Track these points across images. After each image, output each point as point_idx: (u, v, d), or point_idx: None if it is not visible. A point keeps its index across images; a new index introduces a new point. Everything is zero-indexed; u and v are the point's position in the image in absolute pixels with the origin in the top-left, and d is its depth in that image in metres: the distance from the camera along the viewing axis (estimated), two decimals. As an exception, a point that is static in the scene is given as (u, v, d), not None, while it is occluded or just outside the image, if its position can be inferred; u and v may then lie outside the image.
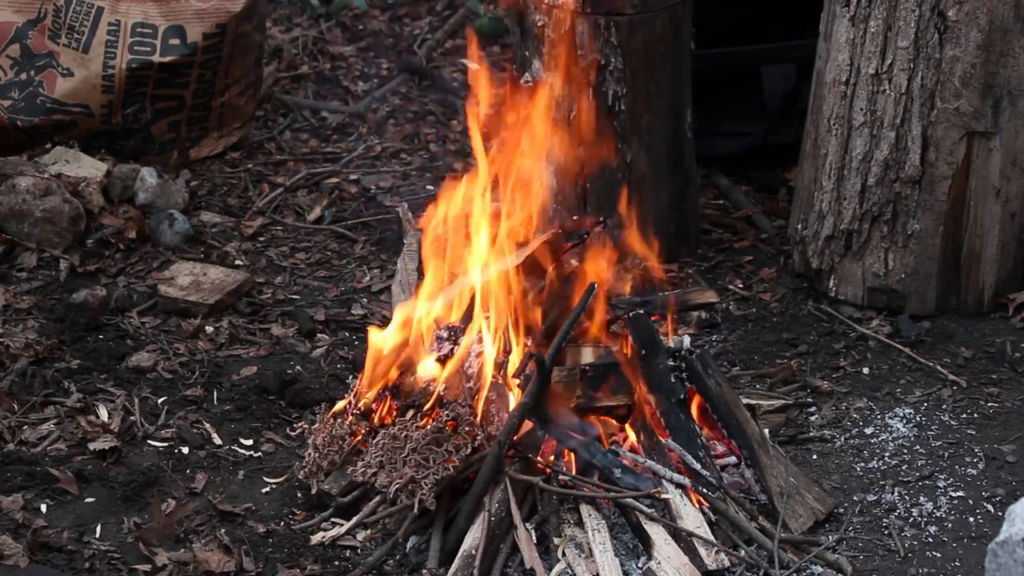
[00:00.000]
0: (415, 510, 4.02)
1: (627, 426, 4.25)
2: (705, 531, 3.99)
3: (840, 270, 5.13)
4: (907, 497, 4.31)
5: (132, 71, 5.65)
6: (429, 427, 4.07)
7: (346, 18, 7.11)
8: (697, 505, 4.06)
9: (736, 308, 5.19)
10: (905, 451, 4.49)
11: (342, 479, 4.22)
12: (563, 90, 5.05)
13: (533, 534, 4.00)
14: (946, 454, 4.48)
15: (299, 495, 4.30)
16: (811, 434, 4.58)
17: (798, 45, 5.66)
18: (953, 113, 4.87)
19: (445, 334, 4.26)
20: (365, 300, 5.24)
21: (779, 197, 5.78)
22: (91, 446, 4.42)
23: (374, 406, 4.27)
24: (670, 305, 4.45)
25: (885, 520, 4.22)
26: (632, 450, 4.18)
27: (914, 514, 4.25)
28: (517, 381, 4.14)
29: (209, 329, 5.02)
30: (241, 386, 4.75)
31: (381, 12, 7.22)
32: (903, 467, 4.43)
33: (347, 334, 5.06)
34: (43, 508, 4.20)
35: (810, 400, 4.72)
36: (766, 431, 4.38)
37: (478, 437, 4.07)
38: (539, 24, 5.07)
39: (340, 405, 4.34)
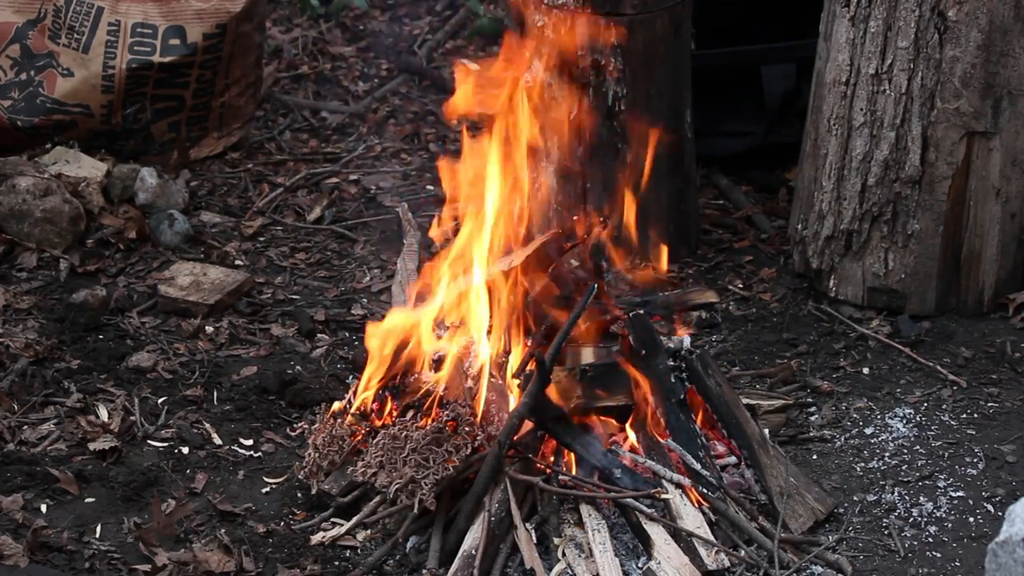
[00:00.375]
0: (415, 510, 4.02)
1: (627, 426, 4.25)
2: (705, 531, 3.99)
3: (840, 270, 5.13)
4: (907, 497, 4.31)
5: (132, 71, 5.65)
6: (429, 427, 4.07)
7: (346, 18, 7.11)
8: (697, 505, 4.06)
9: (736, 308, 5.19)
10: (905, 451, 4.49)
11: (342, 479, 4.22)
12: (563, 90, 5.05)
13: (533, 534, 4.00)
14: (946, 454, 4.48)
15: (299, 495, 4.30)
16: (811, 434, 4.58)
17: (798, 45, 5.66)
18: (953, 113, 4.87)
19: (445, 334, 4.26)
20: (365, 300, 5.24)
21: (779, 197, 5.78)
22: (91, 446, 4.42)
23: (374, 406, 4.27)
24: (674, 305, 4.45)
25: (885, 520, 4.22)
26: (632, 450, 4.18)
27: (914, 514, 4.25)
28: (517, 381, 4.14)
29: (209, 329, 5.02)
30: (241, 386, 4.75)
31: (381, 12, 7.22)
32: (903, 467, 4.43)
33: (347, 334, 5.06)
34: (43, 508, 4.20)
35: (810, 400, 4.72)
36: (766, 431, 4.38)
37: (478, 437, 4.07)
38: (539, 24, 5.07)
39: (339, 405, 4.34)
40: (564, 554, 3.96)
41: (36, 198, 5.33)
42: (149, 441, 4.50)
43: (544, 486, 4.05)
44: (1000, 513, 4.17)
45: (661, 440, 4.19)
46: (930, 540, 4.15)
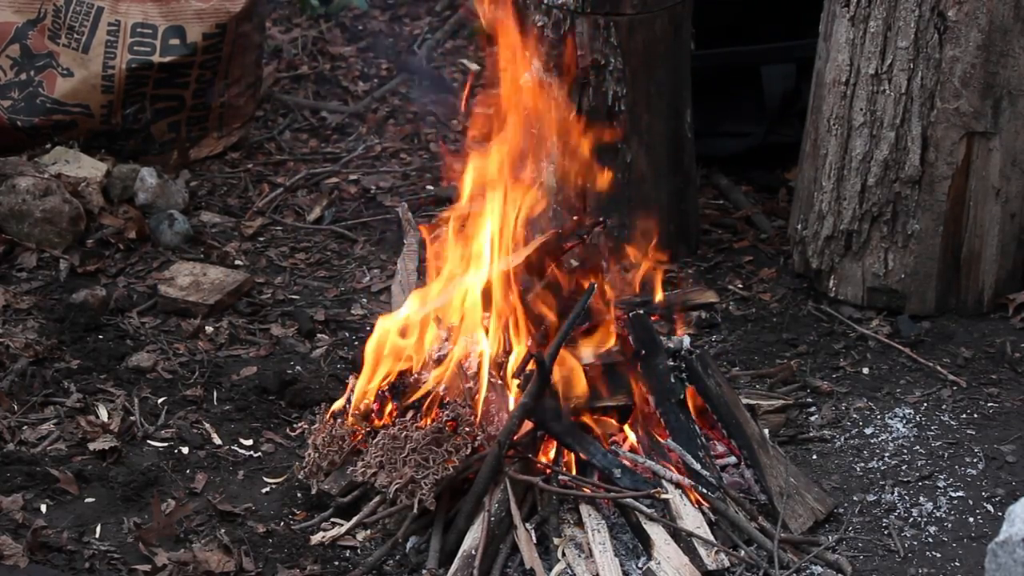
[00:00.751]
0: (415, 510, 4.02)
1: (627, 426, 4.25)
2: (705, 531, 3.99)
3: (840, 270, 5.13)
4: (907, 497, 4.31)
5: (132, 71, 5.65)
6: (429, 427, 4.06)
7: (346, 18, 7.11)
8: (697, 505, 4.06)
9: (736, 308, 5.19)
10: (905, 451, 4.49)
11: (342, 479, 4.22)
12: (563, 90, 5.06)
13: (533, 534, 4.00)
14: (946, 454, 4.48)
15: (299, 495, 4.30)
16: (811, 434, 4.58)
17: (798, 45, 5.66)
18: (953, 113, 4.87)
19: (445, 334, 4.26)
20: (365, 300, 5.24)
21: (779, 197, 5.78)
22: (91, 446, 4.42)
23: (374, 406, 4.27)
24: (674, 305, 4.45)
25: (885, 520, 4.22)
26: (632, 450, 4.18)
27: (914, 514, 4.24)
28: (517, 381, 4.14)
29: (209, 329, 5.02)
30: (241, 386, 4.75)
31: (381, 12, 7.22)
32: (903, 467, 4.43)
33: (347, 334, 5.06)
34: (43, 508, 4.20)
35: (810, 400, 4.72)
36: (766, 431, 4.38)
37: (478, 437, 4.07)
38: (539, 24, 5.07)
39: (339, 404, 4.34)
40: (564, 554, 3.96)
41: (36, 198, 5.33)
42: (149, 441, 4.50)
43: (544, 486, 4.05)
44: (1000, 513, 4.17)
45: (661, 440, 4.19)
46: (930, 540, 4.15)
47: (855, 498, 4.31)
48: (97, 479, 4.31)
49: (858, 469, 4.43)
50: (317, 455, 4.23)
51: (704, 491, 4.08)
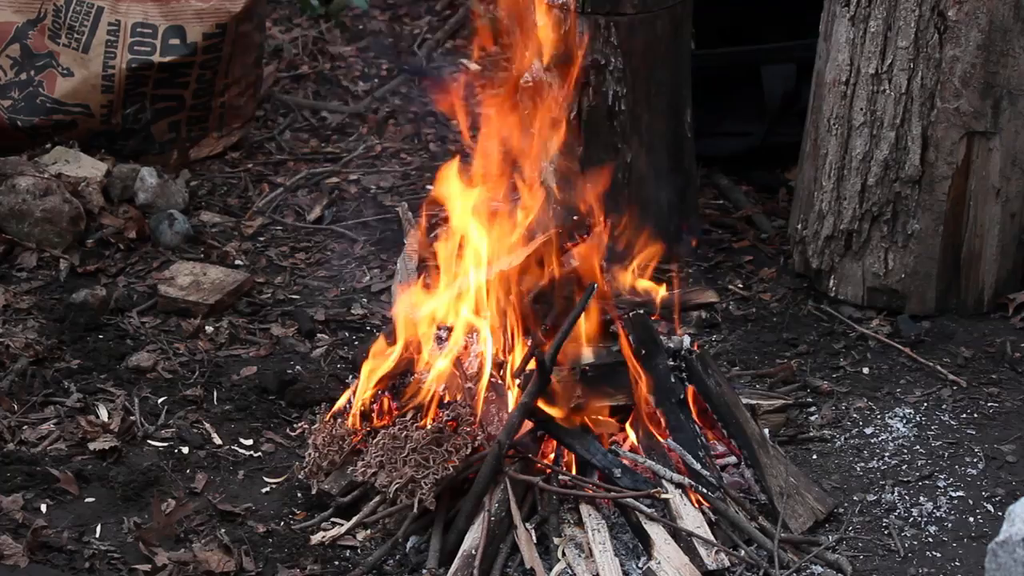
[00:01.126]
0: (415, 510, 4.02)
1: (627, 426, 4.25)
2: (705, 531, 3.99)
3: (840, 270, 5.13)
4: (907, 497, 4.31)
5: (132, 71, 5.65)
6: (429, 427, 4.07)
7: (346, 18, 7.11)
8: (697, 505, 4.06)
9: (736, 308, 5.19)
10: (905, 451, 4.49)
11: (342, 479, 4.22)
12: (563, 90, 5.05)
13: (533, 534, 4.00)
14: (946, 454, 4.48)
15: (299, 495, 4.30)
16: (811, 434, 4.58)
17: (798, 45, 5.66)
18: (953, 113, 4.87)
19: (444, 334, 4.26)
20: (365, 300, 5.24)
21: (779, 197, 5.78)
22: (91, 446, 4.42)
23: (374, 407, 4.27)
24: (674, 305, 4.45)
25: (885, 520, 4.22)
26: (632, 450, 4.18)
27: (914, 514, 4.25)
28: (517, 381, 4.14)
29: (209, 329, 5.02)
30: (241, 386, 4.75)
31: (381, 12, 7.22)
32: (903, 467, 4.43)
33: (347, 334, 5.06)
34: (43, 508, 4.20)
35: (810, 400, 4.72)
36: (766, 431, 4.38)
37: (478, 437, 4.07)
38: (539, 24, 5.07)
39: (340, 403, 4.33)
40: (564, 554, 3.96)
41: (36, 198, 5.33)
42: (149, 441, 4.50)
43: (544, 486, 4.05)
44: (1000, 513, 4.17)
45: (661, 440, 4.19)
46: (930, 540, 4.15)
47: (855, 498, 4.31)
48: (97, 479, 4.31)
49: (858, 469, 4.43)
50: (317, 455, 4.23)
51: (704, 491, 4.08)
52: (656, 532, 3.96)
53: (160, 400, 4.67)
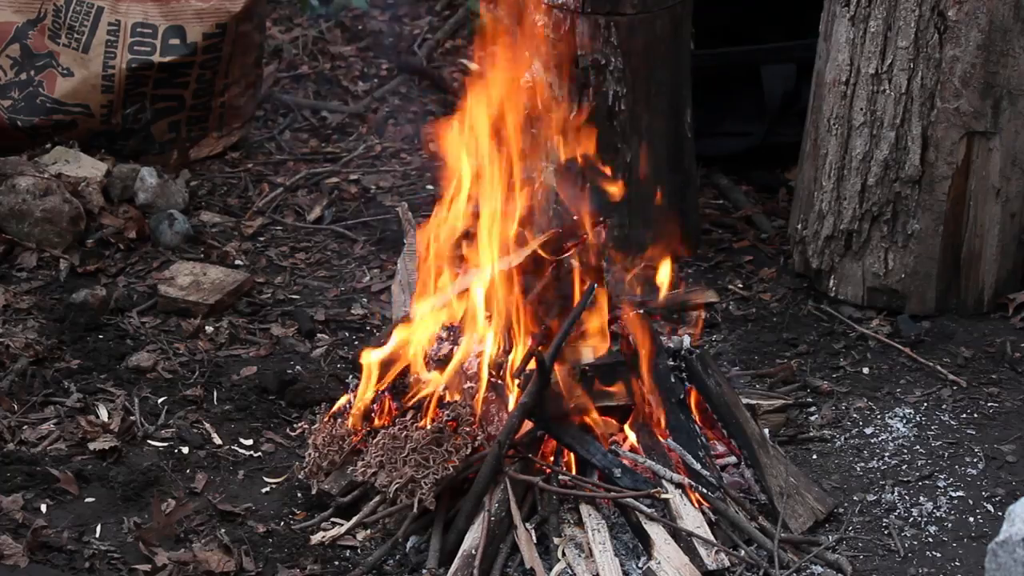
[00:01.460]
0: (415, 510, 4.02)
1: (627, 426, 4.24)
2: (705, 531, 3.99)
3: (840, 270, 5.13)
4: (907, 497, 4.31)
5: (132, 71, 5.65)
6: (429, 427, 4.07)
7: (346, 18, 7.11)
8: (697, 505, 4.06)
9: (736, 308, 5.19)
10: (905, 451, 4.49)
11: (342, 479, 4.22)
12: (563, 90, 5.05)
13: (533, 534, 4.00)
14: (946, 454, 4.48)
15: (299, 495, 4.30)
16: (811, 434, 4.58)
17: (798, 45, 5.66)
18: (953, 113, 4.87)
19: (444, 334, 4.26)
20: (365, 300, 5.24)
21: (779, 197, 5.78)
22: (91, 446, 4.42)
23: (374, 407, 4.27)
24: (674, 305, 4.45)
25: (885, 520, 4.22)
26: (632, 450, 4.18)
27: (914, 514, 4.25)
28: (517, 381, 4.14)
29: (209, 329, 5.02)
30: (241, 386, 4.75)
31: (381, 12, 7.22)
32: (903, 467, 4.43)
33: (347, 334, 5.06)
34: (43, 508, 4.20)
35: (810, 400, 4.72)
36: (766, 431, 4.38)
37: (478, 437, 4.07)
38: (539, 24, 5.07)
39: (340, 403, 4.33)
40: (564, 554, 3.96)
41: (36, 198, 5.33)
42: (149, 441, 4.50)
43: (544, 486, 4.05)
44: (1000, 513, 4.17)
45: (661, 440, 4.19)
46: (930, 540, 4.15)
47: (855, 498, 4.31)
48: (97, 479, 4.31)
49: (858, 469, 4.43)
50: (317, 455, 4.23)
51: (704, 491, 4.08)
52: (656, 532, 3.96)
53: (160, 400, 4.67)
